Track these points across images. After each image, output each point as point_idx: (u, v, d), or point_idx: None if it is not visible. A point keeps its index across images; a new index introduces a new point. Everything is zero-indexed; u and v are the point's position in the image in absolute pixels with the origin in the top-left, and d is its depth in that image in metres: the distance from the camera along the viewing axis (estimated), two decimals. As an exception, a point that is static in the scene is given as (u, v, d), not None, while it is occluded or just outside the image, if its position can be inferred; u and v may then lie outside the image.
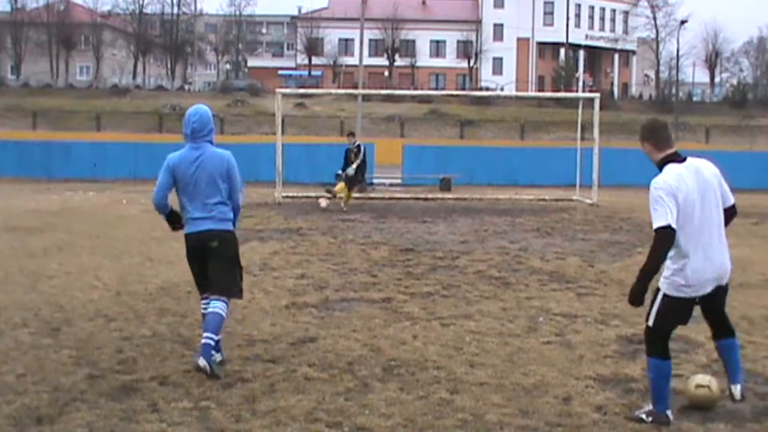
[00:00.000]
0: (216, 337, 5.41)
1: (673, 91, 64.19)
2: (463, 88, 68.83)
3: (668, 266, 4.57)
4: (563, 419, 4.72)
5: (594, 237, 13.43)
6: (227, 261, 5.56)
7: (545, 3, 75.36)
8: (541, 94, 60.62)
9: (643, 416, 4.68)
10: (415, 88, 64.02)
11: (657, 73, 74.79)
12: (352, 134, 18.78)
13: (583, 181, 21.58)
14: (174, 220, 5.79)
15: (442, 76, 74.97)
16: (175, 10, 76.95)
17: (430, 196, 21.86)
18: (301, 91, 43.20)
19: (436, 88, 68.93)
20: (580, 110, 23.41)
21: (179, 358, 5.86)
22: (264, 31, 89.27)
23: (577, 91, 60.10)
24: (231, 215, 5.61)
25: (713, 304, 4.72)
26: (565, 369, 5.70)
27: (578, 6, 75.15)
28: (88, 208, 17.09)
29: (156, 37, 77.13)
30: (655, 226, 4.42)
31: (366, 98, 46.79)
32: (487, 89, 64.02)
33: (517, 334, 6.75)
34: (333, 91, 52.48)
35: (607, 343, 6.48)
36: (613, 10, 78.58)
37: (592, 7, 77.04)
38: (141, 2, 74.89)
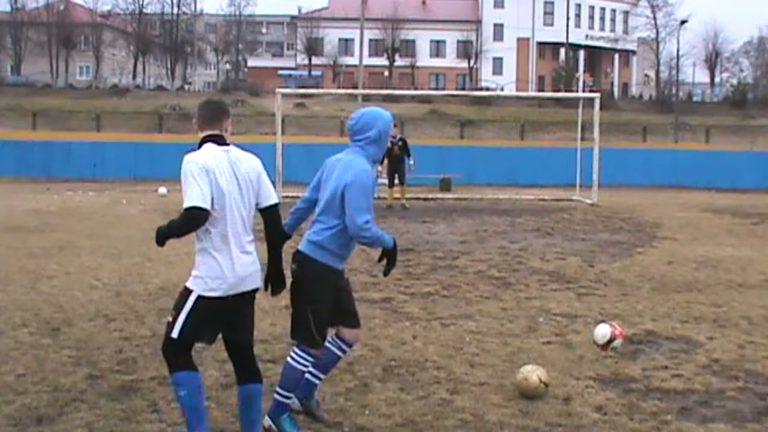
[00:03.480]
0: (287, 395, 4.52)
1: (673, 91, 64.19)
2: (463, 88, 68.79)
3: (199, 261, 4.01)
4: (563, 419, 4.72)
5: (594, 237, 13.43)
6: (298, 294, 4.57)
7: (545, 3, 75.35)
8: (541, 94, 60.56)
9: None
10: (415, 88, 63.99)
11: (657, 73, 74.75)
12: (395, 125, 18.36)
13: (583, 181, 21.58)
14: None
15: (442, 76, 74.96)
16: (175, 10, 76.98)
17: (430, 196, 21.86)
18: (301, 91, 43.08)
19: (436, 88, 68.91)
20: (580, 110, 23.41)
21: (179, 358, 5.85)
22: (264, 31, 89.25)
23: (577, 91, 60.11)
24: (326, 241, 4.46)
25: (240, 313, 4.13)
26: (565, 369, 5.70)
27: (578, 6, 75.12)
28: (88, 208, 17.08)
29: (156, 37, 77.14)
30: (187, 204, 3.85)
31: (366, 98, 46.77)
32: (487, 89, 63.99)
33: (517, 334, 6.75)
34: (333, 91, 52.46)
35: (607, 343, 6.47)
36: (613, 10, 78.57)
37: (592, 7, 77.03)
38: (141, 2, 74.90)
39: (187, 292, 3.99)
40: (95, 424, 4.52)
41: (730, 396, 5.19)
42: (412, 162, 17.93)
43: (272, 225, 4.23)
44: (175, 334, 3.97)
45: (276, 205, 4.21)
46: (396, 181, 18.14)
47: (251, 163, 4.12)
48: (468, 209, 18.41)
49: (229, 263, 3.97)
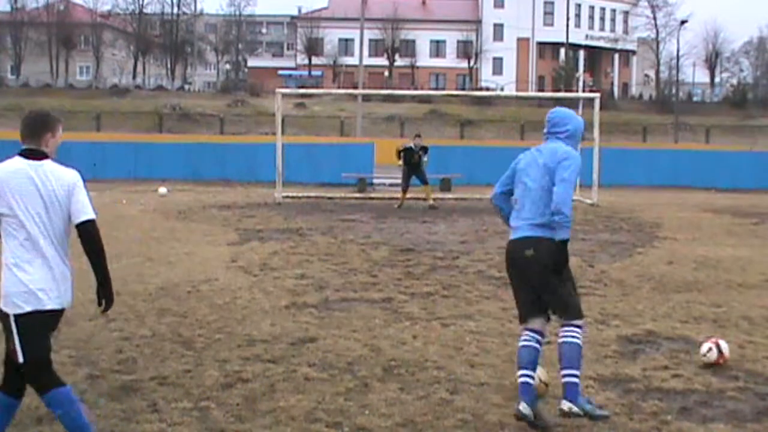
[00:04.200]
0: (578, 373, 4.71)
1: (673, 91, 64.21)
2: (463, 88, 68.82)
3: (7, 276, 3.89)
4: (563, 419, 4.71)
5: (594, 237, 13.43)
6: (547, 275, 4.67)
7: (545, 3, 75.35)
8: (541, 94, 60.53)
9: None
10: (415, 88, 64.03)
11: (657, 73, 74.79)
12: (419, 136, 19.31)
13: (583, 181, 21.54)
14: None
15: (442, 76, 74.95)
16: (175, 10, 76.98)
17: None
18: (301, 91, 43.20)
19: (436, 88, 68.91)
20: (580, 110, 23.38)
21: (179, 358, 5.86)
22: (264, 31, 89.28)
23: (577, 91, 60.07)
24: (553, 224, 4.62)
25: None
26: (565, 369, 5.69)
27: (578, 6, 75.12)
28: (88, 208, 17.08)
29: (156, 37, 77.14)
30: None
31: (366, 98, 46.79)
32: (487, 89, 64.01)
33: (517, 334, 6.73)
34: (333, 91, 52.55)
35: (607, 343, 6.48)
36: (613, 10, 78.58)
37: (592, 7, 77.03)
38: (141, 2, 74.90)
39: (5, 315, 3.87)
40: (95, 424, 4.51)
41: (730, 396, 5.19)
42: (425, 159, 18.72)
43: (86, 242, 4.02)
44: (21, 359, 3.88)
45: (88, 221, 3.99)
46: (411, 183, 18.69)
47: (62, 179, 3.97)
48: (468, 209, 18.41)
49: (30, 278, 3.86)
